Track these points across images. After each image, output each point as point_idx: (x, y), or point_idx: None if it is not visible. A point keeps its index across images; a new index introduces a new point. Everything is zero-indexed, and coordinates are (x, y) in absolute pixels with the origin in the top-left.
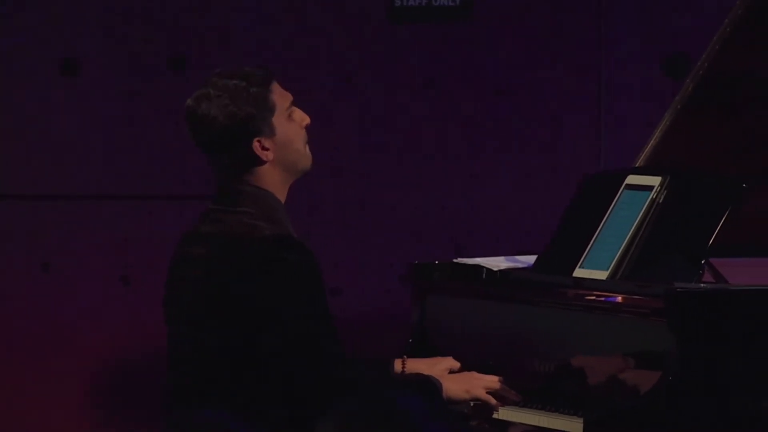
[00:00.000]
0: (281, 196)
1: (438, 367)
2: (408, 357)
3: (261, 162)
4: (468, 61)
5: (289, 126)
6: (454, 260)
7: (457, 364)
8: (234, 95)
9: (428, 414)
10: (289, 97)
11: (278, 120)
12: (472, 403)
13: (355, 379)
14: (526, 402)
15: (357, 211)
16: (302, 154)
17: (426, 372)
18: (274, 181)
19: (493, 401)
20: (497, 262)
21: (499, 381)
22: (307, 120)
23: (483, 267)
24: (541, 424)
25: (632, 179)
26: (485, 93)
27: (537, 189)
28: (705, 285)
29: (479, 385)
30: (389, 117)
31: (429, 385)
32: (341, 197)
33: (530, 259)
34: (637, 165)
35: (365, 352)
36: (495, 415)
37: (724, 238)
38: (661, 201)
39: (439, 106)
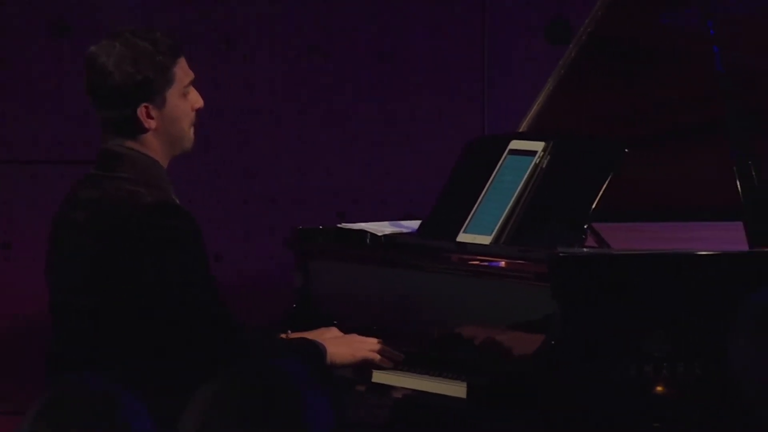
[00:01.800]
0: (163, 164)
1: (323, 337)
2: (292, 325)
3: (143, 129)
4: (352, 27)
5: (181, 103)
6: (338, 225)
7: (341, 335)
8: (138, 56)
9: (310, 379)
10: (191, 76)
11: (172, 94)
12: (353, 368)
13: (245, 342)
14: (410, 366)
15: (239, 176)
16: (185, 134)
17: None
18: (155, 149)
19: (379, 361)
20: (381, 227)
21: (379, 343)
22: (200, 103)
23: (367, 232)
24: (425, 389)
25: (516, 144)
26: (369, 58)
27: (421, 154)
28: (587, 249)
29: (363, 347)
30: (272, 82)
31: (313, 348)
32: (223, 162)
33: (414, 224)
34: (520, 130)
35: (248, 319)
36: (378, 380)
37: (606, 202)
38: (544, 166)
39: (323, 71)
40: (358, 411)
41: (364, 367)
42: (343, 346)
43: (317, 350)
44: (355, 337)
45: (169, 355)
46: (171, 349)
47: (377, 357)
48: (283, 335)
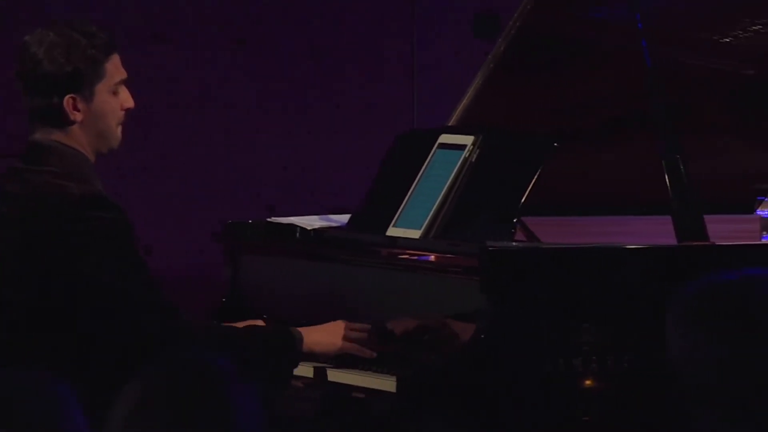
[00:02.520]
0: (90, 159)
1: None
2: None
3: (69, 121)
4: (281, 20)
5: (110, 100)
6: (268, 219)
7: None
8: (70, 47)
9: (237, 375)
10: (123, 75)
11: (101, 89)
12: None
13: (183, 327)
14: (340, 361)
15: (168, 169)
16: (112, 132)
17: None
18: (82, 143)
19: (361, 352)
20: (311, 221)
21: (364, 330)
22: (130, 103)
23: (297, 226)
24: (355, 383)
25: (445, 138)
26: (299, 51)
27: (350, 148)
28: (517, 243)
29: (347, 334)
30: (202, 75)
31: (282, 336)
32: (152, 155)
33: (344, 218)
34: (449, 124)
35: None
36: (308, 373)
37: (535, 196)
38: (473, 160)
39: (253, 64)
40: (289, 406)
41: (345, 356)
42: (325, 334)
43: (287, 339)
44: (339, 325)
45: (104, 346)
46: (107, 340)
47: (355, 349)
48: (261, 321)
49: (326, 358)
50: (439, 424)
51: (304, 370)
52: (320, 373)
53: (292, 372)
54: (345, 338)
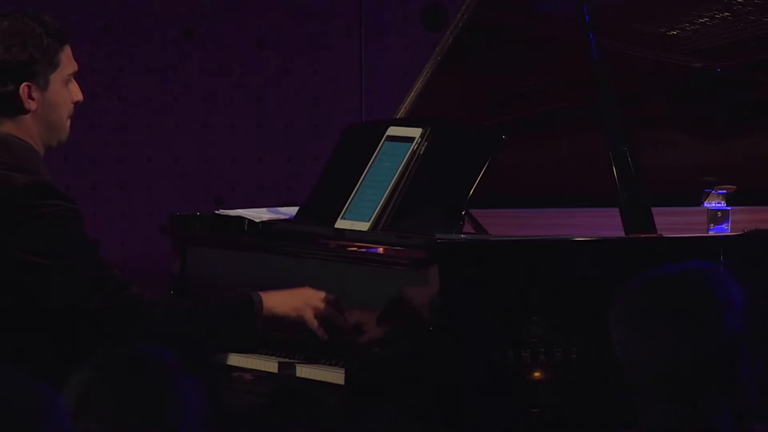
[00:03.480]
0: (39, 151)
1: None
2: None
3: (24, 110)
4: (228, 13)
5: (63, 91)
6: (216, 212)
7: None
8: (26, 35)
9: (181, 367)
10: (75, 67)
11: (55, 79)
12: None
13: (149, 298)
14: (289, 353)
15: (115, 161)
16: (62, 124)
17: None
18: (32, 135)
19: (315, 325)
20: (259, 214)
21: (326, 300)
22: (79, 97)
23: (245, 218)
24: (304, 375)
25: (393, 131)
26: (246, 44)
27: (299, 140)
28: (465, 236)
29: (309, 302)
30: (148, 67)
31: (239, 301)
32: (99, 146)
33: (292, 211)
34: (398, 116)
35: None
36: (256, 366)
37: (484, 189)
38: (421, 152)
39: (200, 57)
40: (237, 399)
41: (303, 322)
42: (288, 296)
43: (244, 303)
44: (304, 291)
45: (67, 330)
46: (68, 324)
47: (314, 323)
48: None
49: (288, 323)
50: (387, 417)
51: (251, 362)
52: (268, 365)
53: (252, 333)
54: (308, 305)
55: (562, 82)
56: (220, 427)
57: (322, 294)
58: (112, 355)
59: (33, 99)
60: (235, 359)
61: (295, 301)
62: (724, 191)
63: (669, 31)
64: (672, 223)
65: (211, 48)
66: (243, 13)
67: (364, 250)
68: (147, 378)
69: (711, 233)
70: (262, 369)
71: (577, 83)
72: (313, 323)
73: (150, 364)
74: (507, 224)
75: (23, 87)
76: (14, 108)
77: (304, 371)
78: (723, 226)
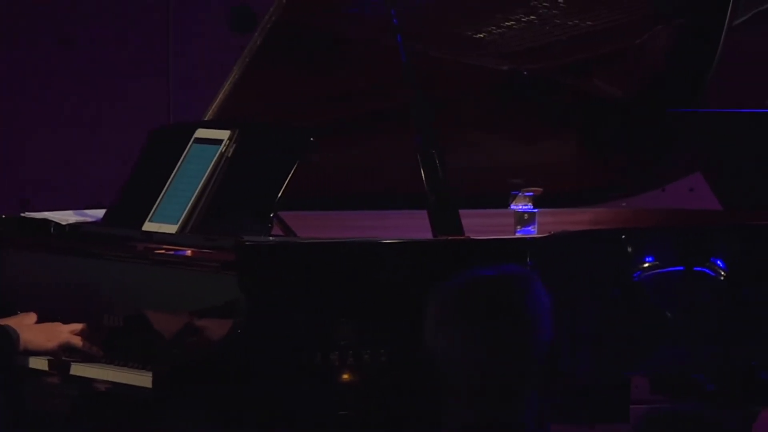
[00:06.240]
0: None
1: (21, 324)
2: None
3: None
4: (32, 12)
5: None
6: (22, 214)
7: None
8: None
9: None
10: None
11: None
12: (47, 359)
13: None
14: (98, 357)
15: None
16: None
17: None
18: None
19: (79, 344)
20: (66, 216)
21: (83, 328)
22: None
23: (51, 221)
24: (111, 379)
25: (201, 133)
26: (50, 44)
27: (106, 142)
28: (274, 238)
29: (60, 335)
30: None
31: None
32: None
33: (100, 213)
34: (206, 119)
35: None
36: (45, 367)
37: (293, 191)
38: (230, 155)
39: (3, 55)
40: (42, 402)
41: (60, 355)
42: (39, 332)
43: (4, 336)
44: (56, 325)
45: None
46: None
47: (76, 344)
48: (34, 314)
49: (56, 354)
50: (196, 419)
51: (41, 363)
52: (78, 369)
53: (14, 366)
54: (59, 339)
55: (372, 84)
56: (22, 430)
57: (69, 326)
58: None
59: None
60: (38, 363)
61: (45, 338)
62: (531, 193)
63: (476, 34)
64: (481, 224)
65: (14, 47)
66: (47, 11)
67: (171, 252)
68: None
69: (518, 235)
70: (72, 373)
71: (387, 85)
72: (74, 340)
73: None
74: (317, 226)
75: None
76: None
77: (111, 374)
78: (530, 228)
